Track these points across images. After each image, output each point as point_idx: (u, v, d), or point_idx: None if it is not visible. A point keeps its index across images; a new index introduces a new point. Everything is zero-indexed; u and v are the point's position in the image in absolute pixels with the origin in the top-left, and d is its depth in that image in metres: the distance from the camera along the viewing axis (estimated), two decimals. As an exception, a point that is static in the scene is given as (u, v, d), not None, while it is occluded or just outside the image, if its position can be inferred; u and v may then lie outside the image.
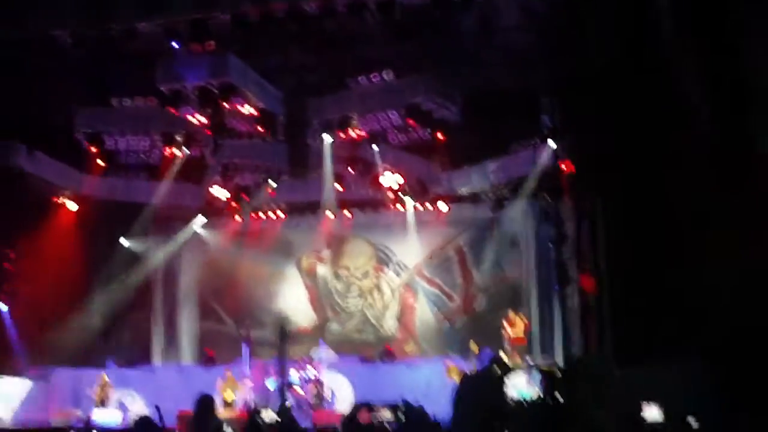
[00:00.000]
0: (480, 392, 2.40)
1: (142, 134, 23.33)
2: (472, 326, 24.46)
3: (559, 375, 2.34)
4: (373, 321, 25.88)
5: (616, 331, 18.22)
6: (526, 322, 22.20)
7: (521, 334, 21.85)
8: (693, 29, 16.10)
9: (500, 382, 2.40)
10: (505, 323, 21.91)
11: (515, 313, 22.17)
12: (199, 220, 26.48)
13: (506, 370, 2.40)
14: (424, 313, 25.60)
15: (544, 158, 21.22)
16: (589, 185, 19.73)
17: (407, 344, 25.51)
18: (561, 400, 2.29)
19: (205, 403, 8.05)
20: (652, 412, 8.88)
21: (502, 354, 19.80)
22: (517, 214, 24.06)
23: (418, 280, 25.72)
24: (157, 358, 26.32)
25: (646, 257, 17.21)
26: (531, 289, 23.64)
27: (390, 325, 25.71)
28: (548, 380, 2.35)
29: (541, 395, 2.28)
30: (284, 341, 15.58)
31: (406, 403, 5.69)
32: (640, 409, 8.82)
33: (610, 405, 2.25)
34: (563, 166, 20.80)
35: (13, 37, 19.85)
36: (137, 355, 25.94)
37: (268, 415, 5.65)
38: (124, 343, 25.94)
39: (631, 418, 8.68)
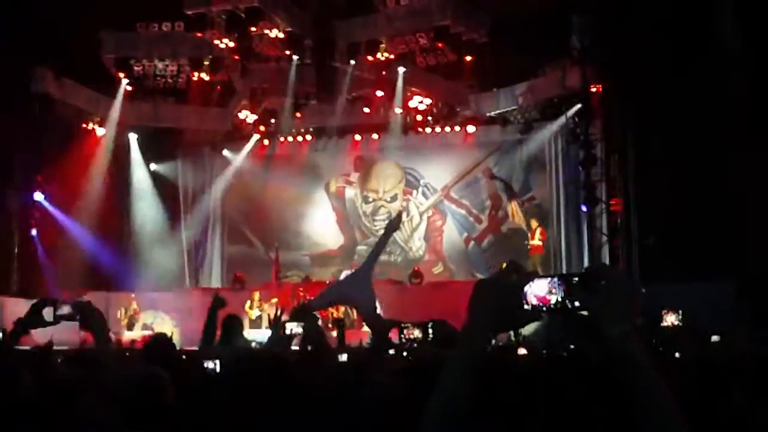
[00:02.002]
0: (494, 297, 2.40)
1: (169, 59, 23.34)
2: (499, 247, 24.48)
3: (577, 280, 2.32)
4: (402, 243, 25.90)
5: (643, 252, 18.24)
6: (543, 230, 22.36)
7: (539, 243, 22.08)
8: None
9: (516, 287, 2.40)
10: (528, 234, 22.31)
11: (537, 223, 22.51)
12: (227, 144, 26.44)
13: (523, 275, 2.40)
14: (451, 235, 25.62)
15: (573, 80, 21.04)
16: (620, 107, 19.59)
17: (435, 266, 25.60)
18: (578, 305, 2.28)
19: (231, 323, 8.02)
20: (670, 319, 8.89)
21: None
22: (546, 136, 23.90)
23: (447, 203, 25.69)
24: (186, 282, 26.55)
25: (676, 180, 17.15)
26: (558, 210, 23.60)
27: (418, 247, 25.76)
28: (566, 285, 2.33)
29: (560, 301, 2.28)
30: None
31: (434, 321, 5.75)
32: (660, 319, 8.83)
33: (630, 315, 2.24)
34: (593, 88, 20.64)
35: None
36: (166, 279, 26.17)
37: (294, 328, 5.66)
38: (153, 267, 26.12)
39: (649, 326, 8.75)
